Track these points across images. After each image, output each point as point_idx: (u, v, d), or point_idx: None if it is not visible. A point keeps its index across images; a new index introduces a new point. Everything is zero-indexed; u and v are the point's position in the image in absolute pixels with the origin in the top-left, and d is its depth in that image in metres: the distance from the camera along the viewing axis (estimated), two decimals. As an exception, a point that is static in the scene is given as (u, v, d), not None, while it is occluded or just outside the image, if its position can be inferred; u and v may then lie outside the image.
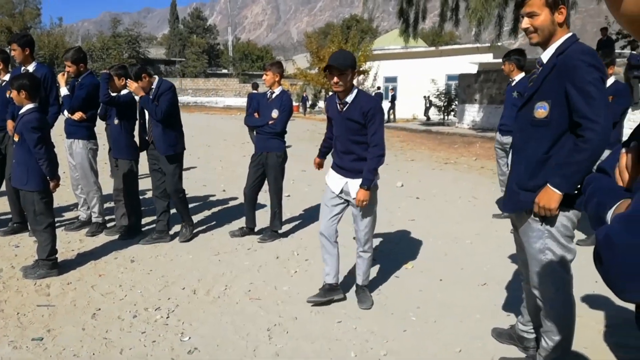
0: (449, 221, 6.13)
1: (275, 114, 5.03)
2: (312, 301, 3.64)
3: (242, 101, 37.08)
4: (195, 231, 5.39)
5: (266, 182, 5.27)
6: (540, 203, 2.37)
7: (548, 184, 2.35)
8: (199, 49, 61.37)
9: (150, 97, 4.84)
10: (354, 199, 3.42)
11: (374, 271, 4.35)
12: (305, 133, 17.74)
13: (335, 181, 3.55)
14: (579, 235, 5.21)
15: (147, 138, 5.05)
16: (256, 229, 5.45)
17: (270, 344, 3.14)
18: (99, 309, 3.58)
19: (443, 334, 3.27)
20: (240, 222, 5.64)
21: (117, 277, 4.19)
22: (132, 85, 4.80)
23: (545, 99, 2.39)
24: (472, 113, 21.14)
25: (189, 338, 3.19)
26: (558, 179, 2.32)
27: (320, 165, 4.12)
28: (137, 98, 5.00)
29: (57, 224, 4.74)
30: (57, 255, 4.22)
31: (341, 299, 3.72)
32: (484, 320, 3.44)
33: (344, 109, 3.38)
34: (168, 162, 4.96)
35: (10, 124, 4.88)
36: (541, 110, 2.40)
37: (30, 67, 5.01)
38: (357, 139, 3.38)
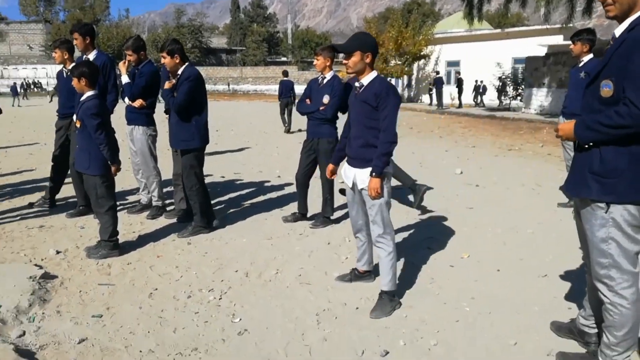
0: (509, 209, 5.87)
1: (326, 99, 4.97)
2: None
3: (300, 89, 37.31)
4: (250, 216, 5.46)
5: (318, 168, 5.24)
6: (561, 127, 2.44)
7: (576, 121, 2.36)
8: (259, 37, 62.26)
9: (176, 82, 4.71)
10: (362, 189, 3.32)
11: (427, 260, 4.25)
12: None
13: (347, 174, 3.47)
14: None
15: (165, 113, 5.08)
16: (308, 215, 5.45)
17: (318, 329, 3.12)
18: (156, 289, 3.70)
19: (498, 326, 3.13)
20: (294, 208, 5.65)
21: (174, 259, 4.31)
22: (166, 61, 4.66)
23: (610, 77, 2.22)
24: (540, 98, 20.21)
25: (240, 320, 3.24)
26: (582, 124, 2.32)
27: (333, 173, 3.89)
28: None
29: (119, 207, 4.95)
30: (118, 237, 4.40)
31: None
32: (542, 313, 3.26)
33: (360, 91, 3.29)
34: (182, 156, 4.83)
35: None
36: (606, 89, 2.24)
37: (91, 55, 5.20)
38: (370, 124, 3.24)
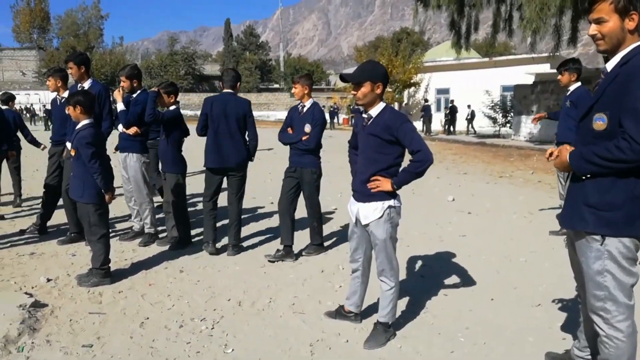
0: (502, 237, 5.89)
1: (307, 128, 4.90)
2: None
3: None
4: (243, 243, 5.44)
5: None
6: (556, 152, 2.49)
7: (571, 152, 2.38)
8: (252, 64, 62.91)
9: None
10: (365, 225, 3.20)
11: (421, 288, 4.24)
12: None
13: (351, 208, 3.34)
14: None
15: None
16: (300, 247, 5.39)
17: (312, 360, 3.09)
18: (147, 318, 3.65)
19: (493, 357, 3.11)
20: (287, 235, 5.62)
21: (166, 287, 4.27)
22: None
23: (604, 111, 2.25)
24: (529, 125, 20.48)
25: (232, 350, 3.20)
26: (578, 153, 2.34)
27: None
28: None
29: (111, 234, 4.91)
30: (110, 265, 4.36)
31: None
32: (537, 343, 3.24)
33: (368, 123, 3.16)
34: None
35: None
36: (599, 122, 2.27)
37: (86, 84, 5.24)
38: (376, 157, 3.12)
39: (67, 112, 4.33)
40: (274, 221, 6.69)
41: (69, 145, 5.04)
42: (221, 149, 5.00)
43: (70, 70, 5.24)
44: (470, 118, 25.94)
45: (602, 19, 2.24)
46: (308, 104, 5.02)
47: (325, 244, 5.38)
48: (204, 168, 5.19)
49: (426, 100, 28.29)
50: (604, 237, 2.27)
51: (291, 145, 5.06)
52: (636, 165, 2.16)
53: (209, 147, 5.04)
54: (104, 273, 4.27)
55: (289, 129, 5.11)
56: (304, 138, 4.92)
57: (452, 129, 26.30)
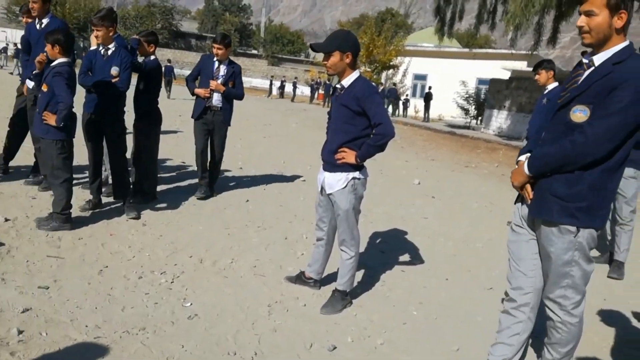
0: (461, 223, 6.07)
1: (115, 71, 4.54)
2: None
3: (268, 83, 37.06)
4: (208, 204, 5.43)
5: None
6: (513, 177, 2.50)
7: (528, 158, 2.40)
8: (232, 27, 61.41)
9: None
10: (329, 194, 3.27)
11: (380, 262, 4.35)
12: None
13: (319, 177, 3.39)
14: (592, 252, 5.12)
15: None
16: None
17: (269, 320, 3.16)
18: (106, 266, 3.63)
19: (442, 332, 3.25)
20: (255, 199, 5.64)
21: (128, 238, 4.24)
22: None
23: (587, 104, 2.23)
24: (500, 120, 20.89)
25: (191, 304, 3.23)
26: (532, 158, 2.38)
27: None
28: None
29: (75, 182, 4.81)
30: (71, 211, 4.28)
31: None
32: (485, 323, 3.39)
33: (341, 93, 3.18)
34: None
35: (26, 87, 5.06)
36: (579, 114, 2.24)
37: (45, 20, 5.00)
38: (345, 128, 3.15)
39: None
40: (241, 185, 6.69)
41: (29, 83, 4.88)
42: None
43: (33, 5, 5.00)
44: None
45: (593, 12, 2.21)
46: (112, 46, 4.57)
47: (292, 213, 5.42)
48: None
49: (394, 84, 29.13)
50: (579, 229, 2.30)
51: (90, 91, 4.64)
52: (591, 160, 2.20)
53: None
54: (64, 218, 4.19)
55: (89, 73, 4.64)
56: (114, 80, 4.54)
57: (426, 115, 26.40)
